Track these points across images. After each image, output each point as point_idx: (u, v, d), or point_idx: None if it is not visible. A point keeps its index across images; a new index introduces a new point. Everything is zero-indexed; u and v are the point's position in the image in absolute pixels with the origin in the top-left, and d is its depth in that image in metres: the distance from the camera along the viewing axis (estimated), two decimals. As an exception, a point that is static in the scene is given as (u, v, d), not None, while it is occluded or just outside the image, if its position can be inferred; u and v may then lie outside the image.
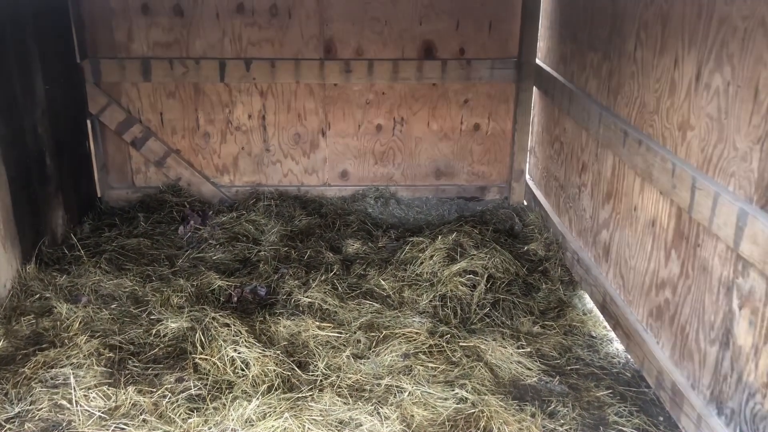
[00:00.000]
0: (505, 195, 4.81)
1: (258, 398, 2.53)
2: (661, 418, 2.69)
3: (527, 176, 4.77)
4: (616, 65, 3.15)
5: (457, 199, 4.83)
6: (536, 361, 3.00)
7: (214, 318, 2.96)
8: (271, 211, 4.32)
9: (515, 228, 4.31)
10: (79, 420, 2.42)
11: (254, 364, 2.74)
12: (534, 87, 4.47)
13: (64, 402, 2.49)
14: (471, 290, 3.48)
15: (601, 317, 3.38)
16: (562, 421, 2.62)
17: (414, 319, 3.23)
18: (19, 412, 2.46)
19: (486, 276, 3.55)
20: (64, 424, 2.42)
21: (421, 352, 2.99)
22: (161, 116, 4.57)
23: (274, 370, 2.73)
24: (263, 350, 2.81)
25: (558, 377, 2.91)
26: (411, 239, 3.84)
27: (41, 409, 2.47)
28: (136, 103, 4.52)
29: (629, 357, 3.08)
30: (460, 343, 3.06)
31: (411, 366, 2.89)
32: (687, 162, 2.53)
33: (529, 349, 3.08)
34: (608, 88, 3.25)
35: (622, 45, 3.08)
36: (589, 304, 3.55)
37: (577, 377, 2.94)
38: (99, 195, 4.61)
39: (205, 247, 3.92)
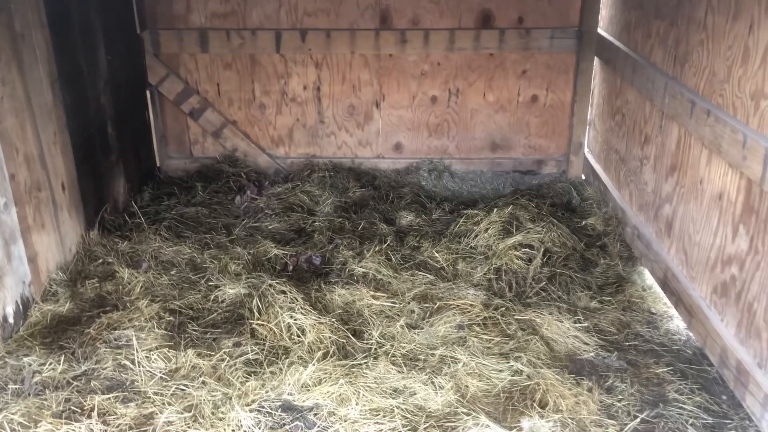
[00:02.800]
0: (563, 169, 4.71)
1: (314, 364, 2.56)
2: (724, 397, 2.61)
3: (586, 149, 4.66)
4: (683, 33, 3.03)
5: (512, 172, 4.75)
6: (593, 336, 2.95)
7: (270, 285, 2.99)
8: (326, 182, 4.34)
9: (573, 202, 4.22)
10: (142, 380, 2.49)
11: (310, 331, 2.76)
12: (595, 57, 4.34)
13: (127, 362, 2.56)
14: (527, 264, 3.43)
15: (662, 293, 3.29)
16: (620, 397, 2.57)
17: (468, 292, 3.20)
18: (85, 371, 2.55)
19: (542, 250, 3.49)
20: (128, 383, 2.49)
21: (475, 324, 2.97)
22: (218, 87, 4.61)
23: (330, 337, 2.75)
24: (318, 317, 2.84)
25: (616, 353, 2.85)
26: (465, 212, 3.80)
27: (106, 368, 2.55)
28: (194, 74, 4.57)
29: (691, 334, 3.00)
30: (515, 317, 3.03)
31: (465, 337, 2.88)
32: (760, 133, 2.41)
33: (586, 324, 3.02)
34: (675, 56, 3.13)
35: (692, 11, 2.94)
36: (649, 280, 3.45)
37: (636, 353, 2.88)
38: (158, 165, 4.70)
39: (261, 216, 3.96)
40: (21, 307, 2.92)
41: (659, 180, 3.33)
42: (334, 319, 2.86)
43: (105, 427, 2.24)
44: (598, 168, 4.35)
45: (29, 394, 2.41)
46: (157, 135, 4.66)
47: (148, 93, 4.51)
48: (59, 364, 2.56)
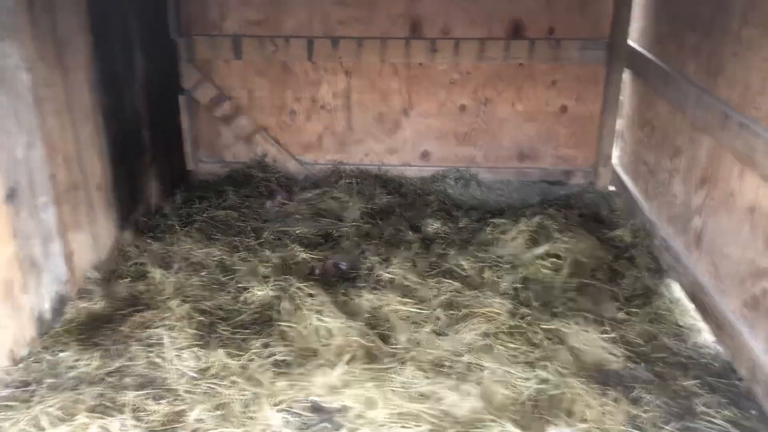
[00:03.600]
0: (591, 180, 4.70)
1: (342, 367, 2.59)
2: (754, 412, 2.59)
3: (614, 161, 4.65)
4: (717, 45, 3.02)
5: (540, 182, 4.75)
6: (620, 347, 2.94)
7: (299, 288, 3.03)
8: (353, 189, 4.38)
9: (601, 213, 4.21)
10: (173, 378, 2.54)
11: (338, 334, 2.79)
12: (625, 69, 4.33)
13: (158, 360, 2.61)
14: (554, 274, 3.44)
15: (690, 306, 3.27)
16: (646, 408, 2.56)
17: (494, 300, 3.21)
18: (118, 368, 2.60)
19: (570, 260, 3.49)
20: (159, 380, 2.54)
21: (501, 332, 2.98)
22: (250, 93, 4.68)
23: (357, 341, 2.78)
24: (346, 321, 2.87)
25: (643, 364, 2.84)
26: (492, 221, 3.82)
27: (138, 365, 2.60)
28: (227, 81, 4.65)
29: (719, 348, 2.97)
30: (542, 326, 3.03)
31: (491, 345, 2.89)
32: (794, 146, 2.40)
33: (613, 335, 3.01)
34: (708, 69, 3.12)
35: (726, 23, 2.94)
36: (677, 292, 3.43)
37: (663, 365, 2.86)
38: (190, 168, 4.78)
39: (290, 221, 4.01)
40: (58, 304, 2.99)
41: (689, 192, 3.32)
42: (361, 323, 2.89)
43: (137, 423, 2.29)
44: (626, 179, 4.34)
45: (66, 389, 2.47)
46: (189, 139, 4.74)
47: (182, 98, 4.59)
48: (94, 360, 2.62)
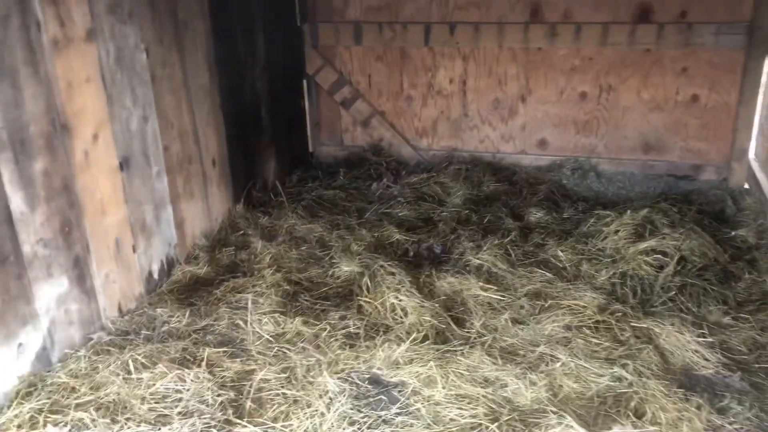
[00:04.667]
0: (724, 176, 4.33)
1: (407, 343, 2.62)
2: None
3: (751, 156, 4.24)
4: None
5: (666, 176, 4.45)
6: (717, 353, 2.71)
7: (382, 266, 3.09)
8: (461, 174, 4.36)
9: (726, 211, 3.87)
10: (250, 339, 2.70)
11: (411, 313, 2.82)
12: (767, 55, 3.94)
13: (240, 322, 2.79)
14: (657, 271, 3.23)
15: (812, 317, 2.94)
16: (732, 419, 2.35)
17: (586, 293, 3.07)
18: (204, 326, 2.81)
19: (677, 257, 3.26)
20: (238, 340, 2.71)
21: (585, 326, 2.85)
22: (369, 79, 4.80)
23: (430, 321, 2.79)
24: (422, 301, 2.89)
25: (740, 373, 2.60)
26: (597, 212, 3.64)
27: (221, 325, 2.79)
28: (347, 66, 4.80)
29: (838, 365, 2.65)
30: (632, 323, 2.86)
31: (572, 338, 2.78)
32: None
33: (711, 340, 2.78)
34: None
35: None
36: (800, 301, 3.10)
37: (765, 377, 2.61)
38: (311, 150, 5.00)
39: (394, 203, 4.08)
40: (166, 266, 3.28)
41: (819, 190, 2.98)
42: (437, 305, 2.90)
43: (210, 377, 2.47)
44: (761, 177, 3.96)
45: (156, 341, 2.71)
46: (311, 122, 4.95)
47: (305, 82, 4.81)
48: (185, 318, 2.85)
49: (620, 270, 3.25)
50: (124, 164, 2.92)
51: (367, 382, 2.45)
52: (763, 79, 4.08)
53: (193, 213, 3.49)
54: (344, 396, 2.37)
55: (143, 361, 2.53)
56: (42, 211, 2.48)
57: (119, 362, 2.52)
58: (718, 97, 4.21)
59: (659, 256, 3.28)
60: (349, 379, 2.46)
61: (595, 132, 4.53)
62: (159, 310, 2.91)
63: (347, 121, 4.95)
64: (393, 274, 3.04)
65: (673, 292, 3.10)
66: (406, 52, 4.64)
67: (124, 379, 2.44)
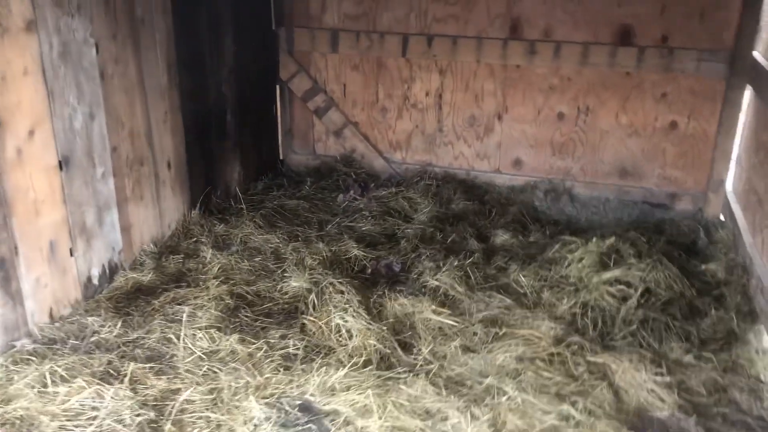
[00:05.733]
0: (699, 206, 4.20)
1: (345, 369, 2.47)
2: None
3: (728, 188, 4.13)
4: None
5: (642, 203, 4.32)
6: (674, 393, 2.57)
7: (331, 283, 2.95)
8: (431, 191, 4.23)
9: (698, 243, 3.75)
10: (180, 356, 2.55)
11: (357, 335, 2.68)
12: (747, 85, 3.83)
13: (172, 336, 2.64)
14: (620, 302, 3.10)
15: (778, 360, 2.81)
16: (681, 468, 2.22)
17: (543, 323, 2.94)
18: (135, 338, 2.66)
19: (641, 290, 3.13)
20: (167, 356, 2.57)
21: (539, 358, 2.72)
22: (344, 88, 4.67)
23: (375, 345, 2.65)
24: (369, 323, 2.75)
25: (696, 416, 2.46)
26: (563, 238, 3.52)
27: (152, 339, 2.64)
28: (323, 73, 4.68)
29: (800, 414, 2.52)
30: (588, 357, 2.72)
31: (522, 370, 2.64)
32: None
33: (669, 379, 2.64)
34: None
35: None
36: None
37: (723, 423, 2.47)
38: (281, 158, 4.86)
39: (358, 217, 3.94)
40: (108, 271, 3.13)
41: (790, 228, 2.85)
42: (384, 328, 2.76)
43: (132, 394, 2.32)
44: (736, 209, 3.84)
45: (83, 351, 2.56)
46: (283, 129, 4.82)
47: (278, 88, 4.68)
48: (116, 328, 2.70)
49: (582, 300, 3.12)
50: (64, 163, 2.77)
51: (297, 409, 2.31)
52: (743, 110, 3.96)
53: (143, 217, 3.35)
54: (270, 423, 2.22)
55: (63, 373, 2.38)
56: (-38, 209, 2.33)
57: (37, 373, 2.37)
58: (698, 126, 4.10)
59: (623, 287, 3.15)
60: (278, 404, 2.31)
61: (572, 154, 4.41)
62: (90, 319, 2.76)
63: (320, 129, 4.82)
64: (342, 292, 2.89)
65: (635, 326, 2.97)
66: (382, 63, 4.52)
67: (38, 392, 2.29)
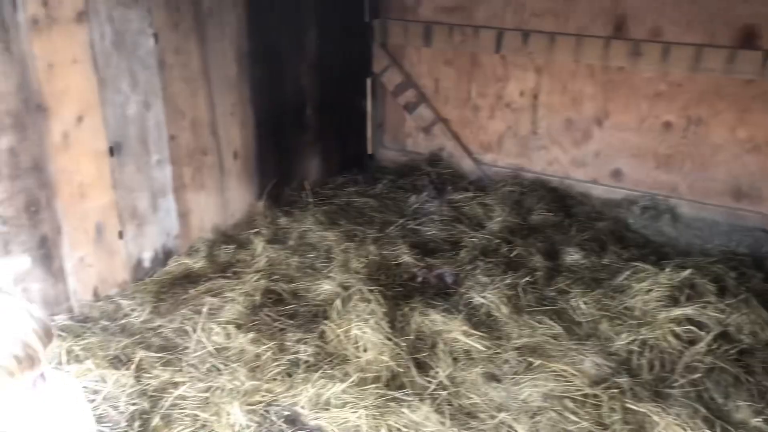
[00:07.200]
0: (829, 238, 3.59)
1: (344, 384, 2.35)
2: None
3: None
4: None
5: (758, 231, 3.76)
6: (721, 463, 2.20)
7: (360, 290, 2.83)
8: (512, 198, 3.95)
9: (811, 284, 3.20)
10: (192, 349, 2.56)
11: (372, 349, 2.55)
12: None
13: (189, 328, 2.66)
14: (685, 345, 2.70)
15: None
16: None
17: (588, 357, 2.63)
18: (158, 326, 2.71)
19: (715, 333, 2.71)
20: (180, 348, 2.59)
21: (569, 397, 2.44)
22: (437, 83, 4.50)
23: (387, 362, 2.50)
24: (387, 337, 2.60)
25: (738, 495, 2.09)
26: (636, 264, 3.13)
27: (170, 329, 2.68)
28: (416, 68, 4.53)
29: None
30: (627, 404, 2.40)
31: (546, 410, 2.37)
32: None
33: (720, 444, 2.27)
34: None
35: None
36: None
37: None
38: (370, 152, 4.78)
39: (425, 220, 3.78)
40: (162, 255, 3.22)
41: None
42: (404, 344, 2.60)
43: (134, 382, 2.36)
44: None
45: (109, 333, 2.65)
46: (373, 123, 4.73)
47: (369, 81, 4.59)
48: (144, 313, 2.77)
49: (642, 336, 2.76)
50: (115, 149, 2.87)
51: (282, 420, 2.23)
52: None
53: (203, 205, 3.41)
54: (250, 431, 2.16)
55: (79, 353, 2.47)
56: (3, 189, 2.48)
57: (57, 350, 2.47)
58: (832, 145, 3.49)
59: (693, 327, 2.74)
60: (264, 413, 2.24)
61: (679, 169, 3.93)
62: (125, 302, 2.85)
63: (411, 125, 4.68)
64: (368, 301, 2.76)
65: (698, 375, 2.58)
66: (476, 59, 4.29)
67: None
